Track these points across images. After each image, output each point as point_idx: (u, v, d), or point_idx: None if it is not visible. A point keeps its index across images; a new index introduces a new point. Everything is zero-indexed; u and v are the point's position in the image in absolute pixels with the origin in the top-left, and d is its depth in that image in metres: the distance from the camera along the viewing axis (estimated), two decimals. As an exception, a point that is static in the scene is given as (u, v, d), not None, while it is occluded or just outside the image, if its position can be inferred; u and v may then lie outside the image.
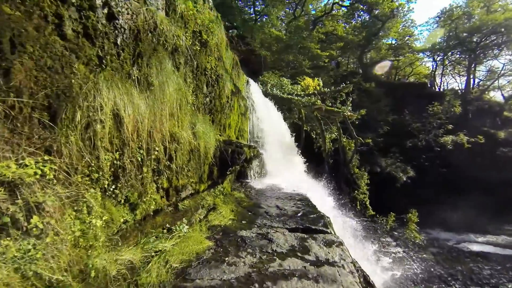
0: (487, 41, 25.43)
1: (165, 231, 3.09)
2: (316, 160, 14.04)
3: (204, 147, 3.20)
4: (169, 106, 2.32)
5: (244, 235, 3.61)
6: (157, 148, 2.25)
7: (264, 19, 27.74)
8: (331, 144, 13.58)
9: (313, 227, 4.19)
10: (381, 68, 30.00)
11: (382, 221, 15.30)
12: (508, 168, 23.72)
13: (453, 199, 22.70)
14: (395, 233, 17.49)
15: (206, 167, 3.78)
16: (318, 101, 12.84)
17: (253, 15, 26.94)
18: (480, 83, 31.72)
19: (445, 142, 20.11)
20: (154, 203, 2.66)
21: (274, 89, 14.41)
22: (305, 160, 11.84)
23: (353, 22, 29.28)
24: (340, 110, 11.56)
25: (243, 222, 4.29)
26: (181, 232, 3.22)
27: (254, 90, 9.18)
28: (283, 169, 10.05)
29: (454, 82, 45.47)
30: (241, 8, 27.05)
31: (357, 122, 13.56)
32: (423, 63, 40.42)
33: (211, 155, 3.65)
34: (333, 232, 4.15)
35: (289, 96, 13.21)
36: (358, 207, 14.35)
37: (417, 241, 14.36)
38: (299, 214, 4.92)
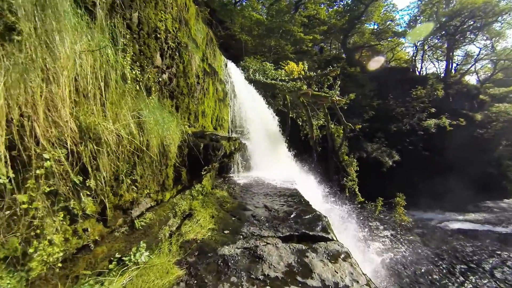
0: (465, 26, 25.67)
1: (112, 264, 2.16)
2: (304, 148, 13.42)
3: (159, 145, 2.26)
4: (69, 77, 1.34)
5: (227, 254, 2.77)
6: (47, 156, 1.28)
7: (244, 3, 26.22)
8: (319, 131, 12.98)
9: (311, 233, 3.44)
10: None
11: (371, 207, 15.22)
12: (485, 148, 24.76)
13: (436, 181, 23.36)
14: (382, 216, 17.69)
15: (170, 170, 2.84)
16: (304, 86, 12.04)
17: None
18: (457, 67, 32.41)
19: (428, 126, 20.27)
20: (72, 242, 1.71)
21: (257, 75, 13.43)
22: (292, 149, 11.14)
23: (336, 7, 28.51)
24: (328, 95, 10.86)
25: (226, 232, 3.44)
26: (139, 261, 2.31)
27: (235, 74, 8.18)
28: (270, 160, 9.28)
29: (433, 67, 46.60)
30: (220, -7, 25.23)
31: (344, 108, 12.98)
32: (403, 48, 40.90)
33: (174, 153, 2.70)
34: (334, 238, 3.44)
35: (273, 82, 12.30)
36: (347, 194, 14.03)
37: (404, 223, 14.39)
38: (292, 216, 4.15)
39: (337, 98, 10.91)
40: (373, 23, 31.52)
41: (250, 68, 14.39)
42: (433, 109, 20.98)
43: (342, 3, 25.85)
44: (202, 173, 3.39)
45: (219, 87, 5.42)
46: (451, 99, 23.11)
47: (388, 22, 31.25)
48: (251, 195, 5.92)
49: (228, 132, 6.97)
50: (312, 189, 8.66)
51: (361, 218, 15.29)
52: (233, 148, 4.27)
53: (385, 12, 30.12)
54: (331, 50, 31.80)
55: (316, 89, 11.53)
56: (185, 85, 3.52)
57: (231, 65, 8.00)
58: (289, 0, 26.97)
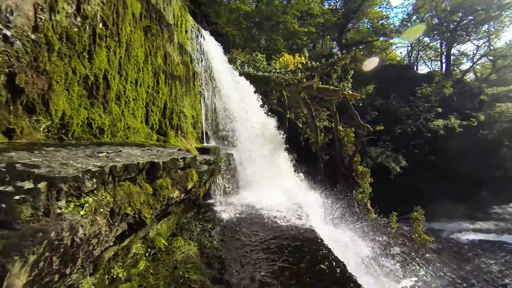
0: (465, 21, 24.34)
1: None
2: (305, 155, 10.99)
3: None
4: None
5: None
6: None
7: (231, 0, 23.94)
8: (323, 135, 10.60)
9: None
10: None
11: (384, 222, 12.93)
12: (489, 150, 23.35)
13: (440, 186, 21.72)
14: (389, 228, 15.61)
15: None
16: (304, 79, 9.64)
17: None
18: (453, 66, 31.24)
19: (435, 127, 18.37)
20: None
21: (246, 67, 10.95)
22: (290, 156, 8.68)
23: (331, 1, 26.72)
24: (337, 89, 8.49)
25: None
26: None
27: (215, 53, 5.65)
28: (266, 174, 6.72)
29: (425, 67, 45.90)
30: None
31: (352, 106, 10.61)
32: (396, 48, 39.84)
33: None
34: None
35: (266, 74, 9.84)
36: (357, 209, 11.65)
37: (425, 243, 12.15)
38: None
39: (350, 92, 8.58)
40: (367, 22, 30.01)
41: (237, 60, 11.92)
42: (440, 108, 19.17)
43: (336, -3, 23.97)
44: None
45: (175, 55, 2.89)
46: (455, 98, 21.44)
47: (381, 22, 29.81)
48: (239, 249, 3.37)
49: (202, 138, 4.41)
50: (323, 216, 6.20)
51: (371, 234, 13.08)
52: (202, 178, 1.88)
53: (379, 10, 28.63)
54: (323, 46, 29.89)
55: (320, 82, 9.16)
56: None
57: (209, 39, 5.47)
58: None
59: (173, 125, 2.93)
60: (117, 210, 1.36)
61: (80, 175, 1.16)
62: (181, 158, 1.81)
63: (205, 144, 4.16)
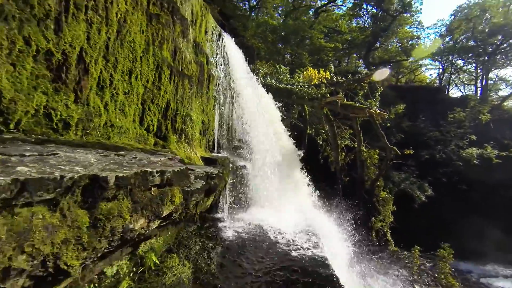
0: (505, 44, 22.78)
1: None
2: (323, 175, 10.33)
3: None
4: None
5: None
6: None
7: (258, 10, 24.43)
8: (343, 154, 9.93)
9: None
10: (380, 74, 27.11)
11: (404, 256, 11.71)
12: (530, 186, 21.06)
13: (472, 222, 19.68)
14: (407, 261, 14.21)
15: None
16: (328, 94, 9.19)
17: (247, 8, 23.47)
18: (490, 92, 29.18)
19: (468, 155, 16.84)
20: None
21: (268, 78, 10.74)
22: (307, 174, 8.13)
23: (359, 20, 26.39)
24: (363, 106, 7.93)
25: None
26: None
27: (236, 59, 5.43)
28: (280, 192, 6.24)
29: (458, 91, 43.54)
30: (235, 4, 23.54)
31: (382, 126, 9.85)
32: (426, 69, 38.19)
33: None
34: None
35: (289, 87, 9.53)
36: (375, 237, 10.66)
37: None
38: None
39: (377, 110, 7.96)
40: (396, 41, 29.18)
41: (260, 70, 11.78)
42: (474, 136, 17.65)
43: (366, 13, 23.57)
44: None
45: (187, 52, 2.61)
46: (492, 126, 19.72)
47: (411, 42, 28.83)
48: (238, 279, 2.92)
49: (212, 147, 4.09)
50: (341, 247, 5.55)
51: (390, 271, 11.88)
52: (191, 199, 1.44)
53: (410, 30, 27.76)
54: (348, 64, 29.30)
55: (345, 99, 8.64)
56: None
57: (232, 44, 5.28)
58: (307, 8, 24.99)
59: (176, 128, 2.60)
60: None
61: None
62: (157, 172, 1.38)
63: (214, 154, 3.83)
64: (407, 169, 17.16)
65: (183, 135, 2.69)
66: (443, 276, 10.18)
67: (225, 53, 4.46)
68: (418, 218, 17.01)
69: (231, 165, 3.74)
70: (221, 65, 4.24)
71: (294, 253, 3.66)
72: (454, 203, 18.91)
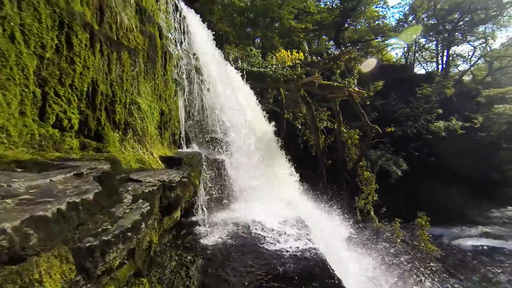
0: (463, 22, 23.97)
1: None
2: (304, 160, 10.05)
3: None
4: None
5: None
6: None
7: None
8: (323, 137, 9.68)
9: None
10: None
11: (387, 229, 12.14)
12: (487, 153, 23.09)
13: (439, 190, 21.20)
14: (389, 234, 14.91)
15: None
16: (303, 75, 8.74)
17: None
18: (449, 67, 31.00)
19: (436, 129, 17.73)
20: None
21: (239, 62, 10.01)
22: (292, 163, 7.76)
23: (326, 0, 26.07)
24: (342, 85, 7.59)
25: None
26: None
27: (203, 41, 4.69)
28: (262, 183, 5.76)
29: (421, 68, 45.81)
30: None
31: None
32: (392, 49, 39.58)
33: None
34: None
35: (262, 70, 8.91)
36: (359, 216, 10.76)
37: (431, 252, 11.35)
38: None
39: (356, 89, 7.68)
40: (364, 21, 29.49)
41: (230, 55, 10.97)
42: (440, 110, 18.58)
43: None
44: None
45: (125, 17, 1.85)
46: (454, 99, 20.94)
47: (377, 22, 29.33)
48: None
49: (179, 142, 3.41)
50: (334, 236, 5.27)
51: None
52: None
53: (376, 9, 28.14)
54: (319, 46, 29.17)
55: (322, 78, 8.26)
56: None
57: (195, 20, 4.49)
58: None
59: (117, 122, 1.91)
60: None
61: None
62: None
63: (180, 151, 3.16)
64: (383, 146, 17.68)
65: (129, 130, 1.98)
66: (423, 244, 10.67)
67: (185, 28, 3.70)
68: (395, 193, 17.78)
69: (203, 161, 3.11)
70: (180, 43, 3.49)
71: (286, 254, 3.21)
72: (423, 175, 20.08)
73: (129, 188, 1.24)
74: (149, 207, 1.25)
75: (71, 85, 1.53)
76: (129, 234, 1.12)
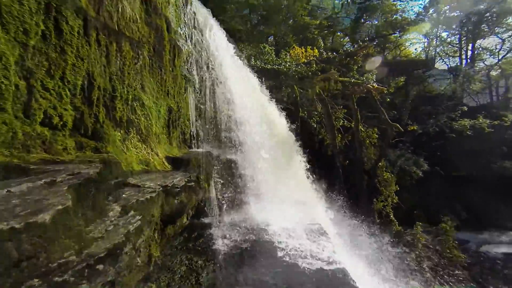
0: (488, 13, 22.40)
1: None
2: (320, 160, 9.69)
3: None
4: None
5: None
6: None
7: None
8: (340, 136, 9.26)
9: None
10: (372, 63, 26.51)
11: (407, 234, 11.53)
12: (517, 152, 21.44)
13: (464, 192, 19.94)
14: (409, 238, 14.16)
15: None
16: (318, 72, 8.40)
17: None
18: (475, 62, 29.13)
19: (461, 127, 16.66)
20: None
21: (253, 60, 9.82)
22: (307, 163, 7.46)
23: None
24: (360, 82, 7.20)
25: None
26: None
27: (216, 37, 4.54)
28: (278, 184, 5.54)
29: (443, 64, 43.60)
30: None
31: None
32: (411, 44, 37.84)
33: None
34: None
35: (276, 67, 8.67)
36: (377, 219, 10.25)
37: (456, 260, 10.64)
38: None
39: (375, 85, 7.26)
40: (381, 15, 28.36)
41: (243, 52, 10.81)
42: (465, 107, 17.46)
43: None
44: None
45: (128, 6, 1.71)
46: (481, 95, 19.63)
47: (395, 16, 28.09)
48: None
49: (190, 143, 3.26)
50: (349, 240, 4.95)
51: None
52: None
53: (393, 3, 26.93)
54: (333, 43, 28.41)
55: (339, 74, 7.89)
56: None
57: (207, 15, 4.35)
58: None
59: (118, 119, 1.73)
60: None
61: None
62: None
63: (190, 151, 3.01)
64: (402, 145, 16.88)
65: (132, 129, 1.83)
66: (448, 250, 10.00)
67: (195, 23, 3.55)
68: (412, 195, 16.94)
69: (214, 162, 2.94)
70: (191, 39, 3.34)
71: (303, 264, 2.97)
72: (445, 175, 18.98)
73: (123, 195, 1.07)
74: (139, 222, 1.04)
75: (62, 77, 1.36)
76: (103, 265, 0.85)
